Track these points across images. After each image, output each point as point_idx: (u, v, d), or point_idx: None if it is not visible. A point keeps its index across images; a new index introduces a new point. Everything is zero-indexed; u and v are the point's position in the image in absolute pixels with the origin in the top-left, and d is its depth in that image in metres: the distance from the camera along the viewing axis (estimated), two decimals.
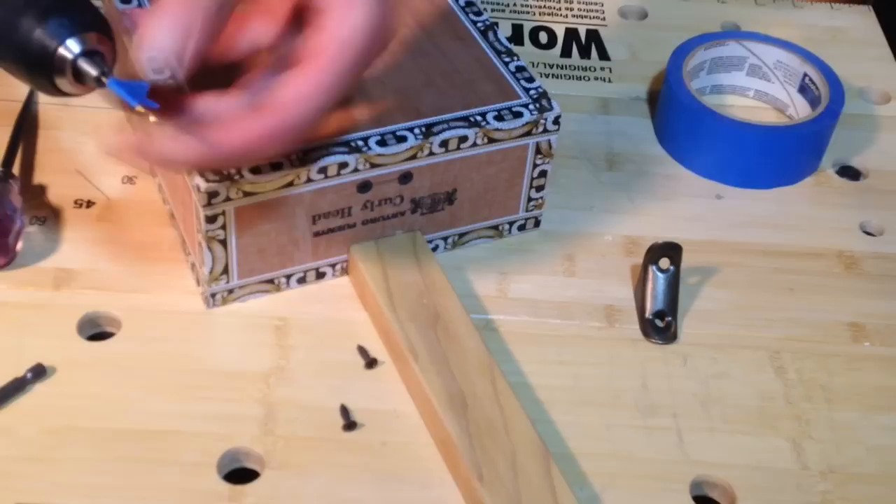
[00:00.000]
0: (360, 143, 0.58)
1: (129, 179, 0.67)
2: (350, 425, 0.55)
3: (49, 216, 0.64)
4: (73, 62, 0.46)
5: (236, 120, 0.49)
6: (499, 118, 0.60)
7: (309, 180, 0.57)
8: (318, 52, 0.48)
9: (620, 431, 0.56)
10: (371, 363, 0.58)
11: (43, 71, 0.46)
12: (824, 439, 0.57)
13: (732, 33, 0.78)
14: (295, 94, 0.49)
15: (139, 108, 0.46)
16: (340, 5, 0.48)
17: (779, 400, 0.58)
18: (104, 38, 0.47)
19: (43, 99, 0.71)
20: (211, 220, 0.56)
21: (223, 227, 0.57)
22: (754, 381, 0.59)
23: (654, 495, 0.54)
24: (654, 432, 0.56)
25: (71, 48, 0.46)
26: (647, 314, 0.61)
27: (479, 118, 0.60)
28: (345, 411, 0.56)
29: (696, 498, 0.55)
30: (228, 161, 0.51)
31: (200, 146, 0.48)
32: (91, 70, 0.46)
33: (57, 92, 0.47)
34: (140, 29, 0.47)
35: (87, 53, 0.46)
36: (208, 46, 0.48)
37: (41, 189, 0.66)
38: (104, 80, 0.46)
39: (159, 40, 0.47)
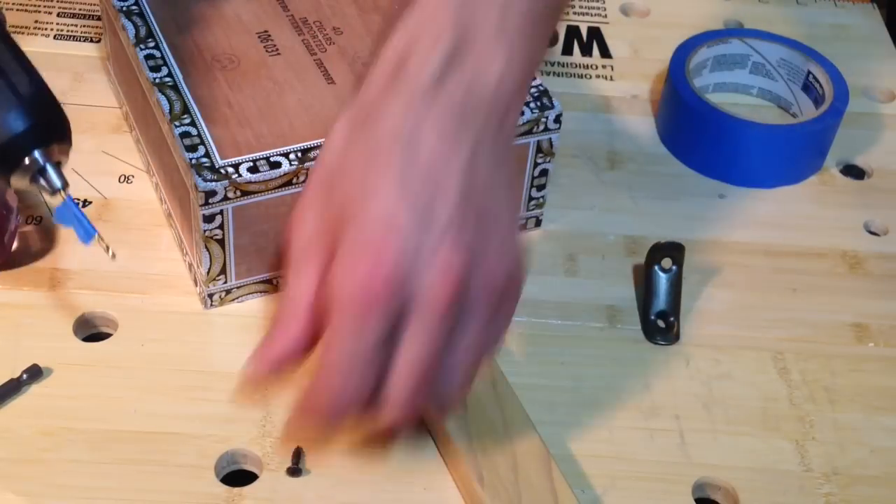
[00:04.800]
0: None
1: (126, 179, 0.66)
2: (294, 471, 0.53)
3: (45, 216, 0.64)
4: (42, 168, 0.48)
5: None
6: None
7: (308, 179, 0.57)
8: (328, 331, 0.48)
9: (622, 433, 0.56)
10: None
11: (4, 168, 0.47)
12: (828, 441, 0.56)
13: (735, 31, 0.78)
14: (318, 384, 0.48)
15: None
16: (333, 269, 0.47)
17: (782, 401, 0.58)
18: (66, 150, 0.48)
19: None
20: (209, 219, 0.56)
21: (221, 227, 0.56)
22: (757, 383, 0.59)
23: (656, 497, 0.54)
24: (656, 434, 0.56)
25: (42, 155, 0.47)
26: (650, 315, 0.61)
27: None
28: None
29: (698, 500, 0.54)
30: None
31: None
32: (56, 181, 0.48)
33: (2, 182, 0.48)
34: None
35: (55, 163, 0.48)
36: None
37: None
38: (63, 194, 0.48)
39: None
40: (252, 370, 0.49)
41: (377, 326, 0.46)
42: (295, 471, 0.53)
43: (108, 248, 0.53)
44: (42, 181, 0.48)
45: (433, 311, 0.46)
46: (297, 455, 0.53)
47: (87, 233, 0.50)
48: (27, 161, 0.47)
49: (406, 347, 0.47)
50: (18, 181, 0.48)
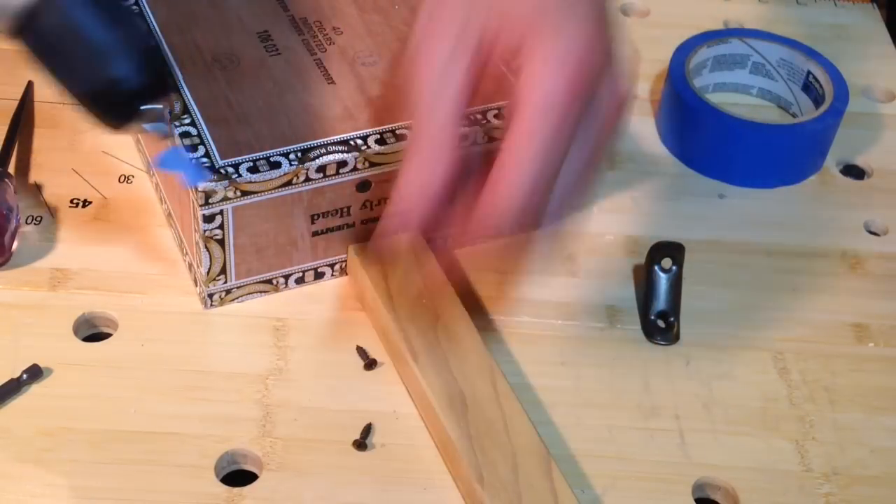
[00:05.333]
0: (360, 141, 0.58)
1: (126, 179, 0.66)
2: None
3: (45, 215, 0.64)
4: (160, 113, 0.50)
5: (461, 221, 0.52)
6: (499, 116, 0.59)
7: (307, 179, 0.57)
8: (516, 136, 0.50)
9: (622, 433, 0.56)
10: (370, 364, 0.58)
11: (129, 114, 0.50)
12: (828, 441, 0.56)
13: (735, 31, 0.78)
14: (504, 187, 0.50)
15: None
16: (529, 79, 0.49)
17: (782, 401, 0.58)
18: (171, 99, 0.52)
19: (39, 97, 0.70)
20: (209, 219, 0.56)
21: (221, 227, 0.56)
22: (757, 383, 0.59)
23: (656, 497, 0.53)
24: (656, 434, 0.56)
25: (158, 103, 0.50)
26: (650, 315, 0.61)
27: (479, 116, 0.59)
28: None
29: (698, 500, 0.54)
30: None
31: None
32: (168, 127, 0.51)
33: (117, 129, 0.51)
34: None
35: (166, 110, 0.51)
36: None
37: (37, 188, 0.65)
38: (174, 140, 0.51)
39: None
40: (396, 211, 0.51)
41: (574, 126, 0.49)
42: (361, 444, 0.54)
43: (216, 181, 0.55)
44: (154, 128, 0.51)
45: (608, 112, 0.50)
46: (367, 431, 0.54)
47: (201, 175, 0.52)
48: (144, 109, 0.49)
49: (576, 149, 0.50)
50: (131, 128, 0.50)
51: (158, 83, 0.50)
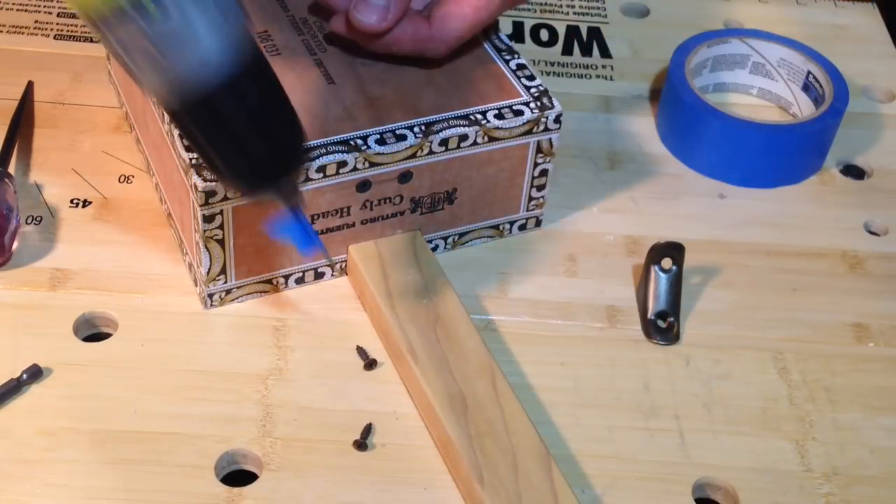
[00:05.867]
0: (360, 141, 0.58)
1: (126, 179, 0.66)
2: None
3: (45, 216, 0.64)
4: (294, 183, 0.52)
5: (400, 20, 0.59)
6: (499, 116, 0.60)
7: (307, 179, 0.57)
8: None
9: (622, 433, 0.56)
10: (370, 364, 0.58)
11: (266, 186, 0.51)
12: (828, 441, 0.56)
13: (735, 31, 0.78)
14: (457, 14, 0.60)
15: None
16: None
17: (782, 401, 0.58)
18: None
19: (39, 97, 0.70)
20: (208, 219, 0.56)
21: (221, 227, 0.56)
22: (757, 382, 0.59)
23: (656, 497, 0.54)
24: (656, 434, 0.56)
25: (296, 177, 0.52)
26: (649, 315, 0.61)
27: (479, 116, 0.59)
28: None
29: (698, 500, 0.54)
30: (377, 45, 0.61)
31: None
32: (298, 199, 0.52)
33: (251, 196, 0.53)
34: None
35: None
36: None
37: (37, 188, 0.65)
38: (298, 210, 0.52)
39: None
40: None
41: None
42: (361, 444, 0.54)
43: (328, 255, 0.58)
44: (284, 197, 0.52)
45: None
46: (367, 431, 0.54)
47: (312, 243, 0.53)
48: (282, 182, 0.51)
49: None
50: (266, 195, 0.52)
51: (300, 158, 0.52)
